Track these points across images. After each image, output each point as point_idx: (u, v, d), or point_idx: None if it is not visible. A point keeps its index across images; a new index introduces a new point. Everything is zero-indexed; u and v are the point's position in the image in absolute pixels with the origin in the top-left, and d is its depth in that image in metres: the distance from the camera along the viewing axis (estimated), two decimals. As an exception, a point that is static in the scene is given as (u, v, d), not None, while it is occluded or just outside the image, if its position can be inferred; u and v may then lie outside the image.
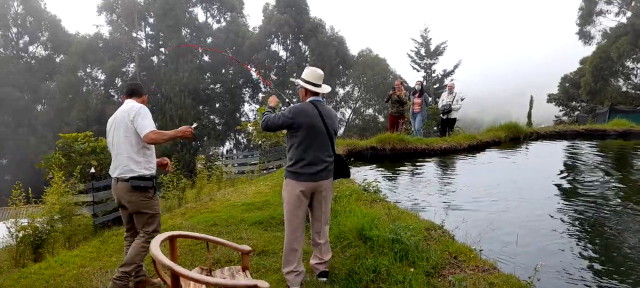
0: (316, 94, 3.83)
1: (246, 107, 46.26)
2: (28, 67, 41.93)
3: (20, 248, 7.15)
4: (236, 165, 17.25)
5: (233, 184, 14.06)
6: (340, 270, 3.94)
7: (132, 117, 3.61)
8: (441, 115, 12.55)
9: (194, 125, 4.11)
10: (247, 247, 3.29)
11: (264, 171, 15.20)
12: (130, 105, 3.74)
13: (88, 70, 41.58)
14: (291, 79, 4.05)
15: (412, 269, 3.43)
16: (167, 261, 2.60)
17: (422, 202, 6.09)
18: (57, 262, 4.55)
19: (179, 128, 3.81)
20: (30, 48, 44.47)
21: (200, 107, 41.27)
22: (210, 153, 35.70)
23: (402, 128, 12.11)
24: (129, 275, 3.60)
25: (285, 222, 3.85)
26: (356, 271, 3.74)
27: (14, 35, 43.22)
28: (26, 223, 7.25)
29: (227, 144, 45.23)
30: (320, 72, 3.93)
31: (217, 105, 44.55)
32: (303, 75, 3.88)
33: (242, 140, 44.61)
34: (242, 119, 44.51)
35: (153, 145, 3.79)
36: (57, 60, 44.00)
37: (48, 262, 4.53)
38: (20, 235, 7.16)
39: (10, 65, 39.94)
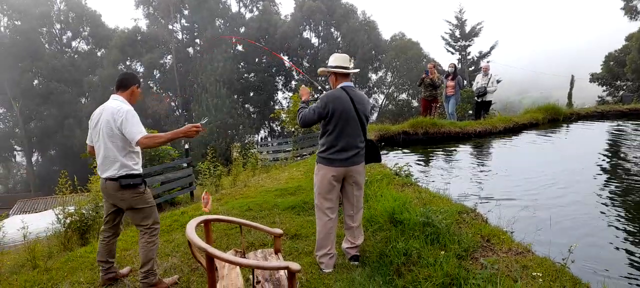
0: (346, 76, 3.84)
1: (279, 95, 46.73)
2: (72, 61, 43.76)
3: (67, 234, 7.55)
4: (271, 152, 17.49)
5: (267, 171, 14.29)
6: (372, 253, 3.96)
7: (119, 124, 3.48)
8: (476, 98, 12.24)
9: (204, 120, 3.99)
10: (278, 231, 3.37)
11: (298, 157, 15.35)
12: (116, 107, 3.55)
13: (128, 63, 42.92)
14: (320, 70, 3.97)
15: (442, 252, 3.40)
16: (202, 243, 2.70)
17: (454, 186, 6.00)
18: (102, 245, 4.79)
19: (181, 128, 3.55)
20: (73, 43, 46.46)
21: (235, 97, 41.93)
22: (245, 141, 36.29)
23: (436, 112, 11.92)
24: (150, 271, 3.60)
25: (317, 207, 3.90)
26: (387, 254, 3.75)
27: (57, 31, 45.18)
28: (73, 210, 7.64)
29: (261, 132, 45.84)
30: (345, 55, 3.94)
31: (252, 95, 45.12)
32: (329, 63, 3.90)
33: (276, 128, 45.08)
34: (276, 107, 44.93)
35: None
36: (99, 54, 45.72)
37: (92, 245, 4.78)
38: (68, 221, 7.57)
39: (55, 61, 41.78)
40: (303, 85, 4.07)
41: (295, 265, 2.75)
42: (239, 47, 44.31)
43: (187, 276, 3.86)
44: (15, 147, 44.12)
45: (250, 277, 3.24)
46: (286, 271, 2.87)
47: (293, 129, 17.11)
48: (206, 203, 5.40)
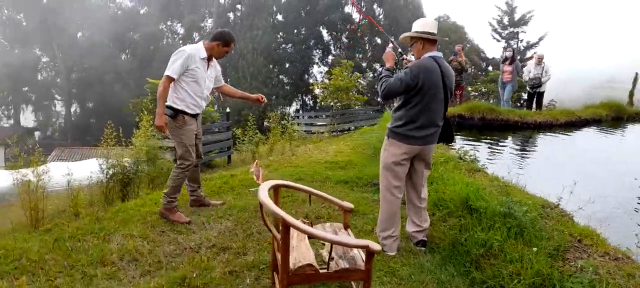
0: (433, 44, 3.45)
1: (315, 69, 46.14)
2: (114, 16, 44.29)
3: (109, 185, 7.54)
4: (304, 124, 17.21)
5: (304, 142, 14.07)
6: (443, 240, 3.63)
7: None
8: (529, 88, 11.52)
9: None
10: (349, 205, 3.07)
11: (333, 133, 15.07)
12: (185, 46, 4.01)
13: (168, 23, 43.19)
14: (402, 36, 3.59)
15: (534, 249, 3.04)
16: (280, 211, 2.43)
17: (524, 177, 5.54)
18: (152, 200, 4.64)
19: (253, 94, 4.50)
20: (117, -1, 46.91)
21: (271, 66, 41.70)
22: (278, 112, 36.27)
23: (461, 100, 11.24)
24: (167, 196, 4.00)
25: (384, 185, 3.57)
26: (462, 243, 3.41)
27: (103, -16, 45.68)
28: (116, 162, 7.60)
29: (294, 104, 45.63)
30: (433, 20, 3.55)
31: (287, 66, 44.76)
32: (416, 28, 3.48)
33: (308, 102, 44.81)
34: (310, 80, 44.55)
35: (192, 83, 3.95)
36: (141, 12, 46.09)
37: (143, 199, 4.65)
38: (111, 172, 7.53)
39: (98, 13, 42.39)
40: (388, 49, 3.67)
41: (375, 245, 2.46)
42: (279, 16, 43.81)
43: (243, 242, 3.63)
44: (56, 96, 45.40)
45: (322, 251, 2.98)
46: (364, 250, 2.60)
47: (331, 103, 16.80)
48: (258, 176, 5.07)
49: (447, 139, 3.67)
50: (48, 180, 7.05)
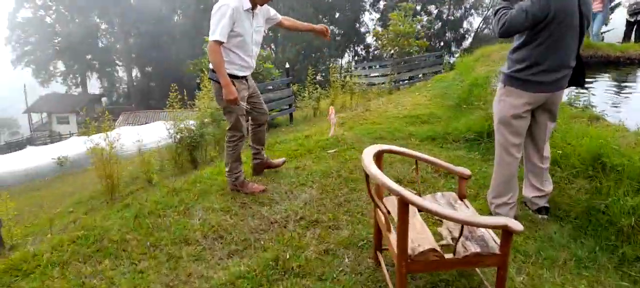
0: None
1: (366, 17, 44.32)
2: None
3: (178, 149, 7.47)
4: (365, 76, 16.44)
5: (366, 96, 13.46)
6: (572, 207, 3.04)
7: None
8: (628, 16, 10.03)
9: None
10: (466, 171, 2.55)
11: (395, 84, 14.29)
12: None
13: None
14: None
15: None
16: (396, 186, 1.97)
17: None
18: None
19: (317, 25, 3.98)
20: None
21: (320, 17, 40.51)
22: (330, 65, 35.48)
23: None
24: (230, 173, 3.65)
25: (500, 144, 2.99)
26: (601, 210, 2.82)
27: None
28: (183, 126, 7.49)
29: (346, 55, 44.45)
30: None
31: (337, 16, 43.33)
32: None
33: (360, 52, 43.50)
34: (362, 30, 42.99)
35: (239, 41, 3.39)
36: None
37: (218, 166, 4.36)
38: (179, 136, 7.44)
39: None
40: None
41: (516, 225, 1.96)
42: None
43: (333, 213, 3.24)
44: (117, 62, 47.05)
45: (440, 229, 2.52)
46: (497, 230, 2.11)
47: (392, 52, 15.86)
48: (333, 122, 4.80)
49: (579, 82, 3.00)
50: (119, 148, 7.09)
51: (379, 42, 17.05)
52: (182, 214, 3.33)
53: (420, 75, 15.20)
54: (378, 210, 2.37)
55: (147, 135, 11.35)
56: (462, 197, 2.59)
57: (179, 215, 3.32)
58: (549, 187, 3.08)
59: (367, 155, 2.25)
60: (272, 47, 37.52)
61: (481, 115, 4.62)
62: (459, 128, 4.71)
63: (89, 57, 44.49)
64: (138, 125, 24.28)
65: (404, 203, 1.96)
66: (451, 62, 19.55)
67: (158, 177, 7.30)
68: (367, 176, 2.20)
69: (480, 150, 4.22)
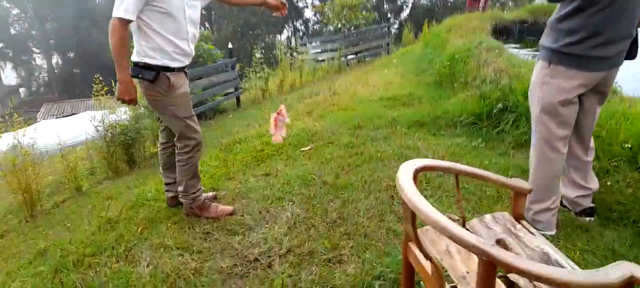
0: None
1: (306, -10, 43.01)
2: (81, -45, 40.59)
3: (111, 149, 6.38)
4: (312, 52, 15.58)
5: (314, 74, 12.72)
6: (628, 208, 2.47)
7: None
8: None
9: None
10: (525, 184, 1.85)
11: (345, 59, 13.65)
12: None
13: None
14: None
15: None
16: (471, 237, 1.22)
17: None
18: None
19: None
20: None
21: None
22: (268, 41, 34.05)
23: (486, 5, 9.66)
24: (186, 194, 2.75)
25: (542, 137, 2.32)
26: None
27: None
28: (114, 122, 6.39)
29: (285, 31, 43.14)
30: None
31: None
32: None
33: (299, 27, 42.44)
34: (300, 5, 41.76)
35: (166, 20, 2.45)
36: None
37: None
38: (110, 134, 6.34)
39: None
40: None
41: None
42: None
43: (329, 238, 2.46)
44: (34, 49, 42.88)
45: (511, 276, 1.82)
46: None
47: (339, 25, 15.11)
48: (277, 125, 2.87)
49: (632, 53, 2.39)
50: (43, 145, 5.91)
51: (322, 16, 16.29)
52: (123, 260, 2.41)
53: (367, 49, 14.69)
54: (416, 250, 1.63)
55: (72, 128, 9.93)
56: (518, 218, 1.90)
57: (118, 261, 2.40)
58: (594, 184, 2.51)
59: (406, 180, 1.48)
60: (206, 25, 35.39)
61: (475, 95, 4.00)
62: (449, 110, 4.08)
63: (0, 45, 40.10)
64: (63, 116, 21.90)
65: (488, 265, 1.22)
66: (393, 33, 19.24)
67: (88, 183, 6.20)
68: (413, 215, 1.45)
69: (483, 136, 3.60)
